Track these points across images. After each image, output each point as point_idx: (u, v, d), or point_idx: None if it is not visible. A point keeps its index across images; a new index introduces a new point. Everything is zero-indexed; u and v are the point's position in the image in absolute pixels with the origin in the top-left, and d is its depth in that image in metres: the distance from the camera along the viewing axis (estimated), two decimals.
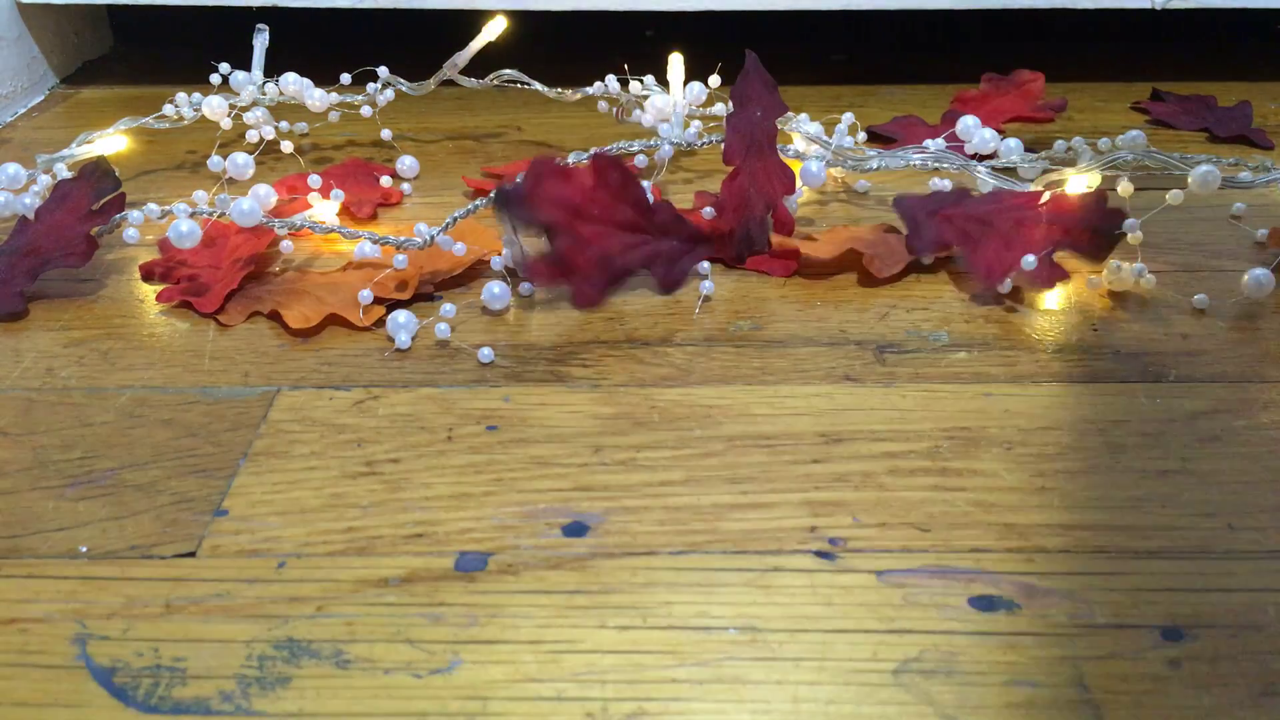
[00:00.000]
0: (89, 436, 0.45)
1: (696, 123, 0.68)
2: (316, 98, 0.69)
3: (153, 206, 0.56)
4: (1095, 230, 0.52)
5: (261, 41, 0.71)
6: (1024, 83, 0.80)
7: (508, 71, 0.70)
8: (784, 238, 0.58)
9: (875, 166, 0.60)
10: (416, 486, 0.42)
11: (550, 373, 0.49)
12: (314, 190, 0.63)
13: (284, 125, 0.72)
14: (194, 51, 0.83)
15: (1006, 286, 0.54)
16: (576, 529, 0.40)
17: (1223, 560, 0.38)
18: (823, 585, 0.37)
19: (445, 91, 0.74)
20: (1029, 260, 0.52)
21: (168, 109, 0.70)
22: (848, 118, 0.70)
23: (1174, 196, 0.57)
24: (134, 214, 0.56)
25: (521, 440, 0.45)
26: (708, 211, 0.61)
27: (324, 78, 0.70)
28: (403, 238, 0.55)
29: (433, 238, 0.54)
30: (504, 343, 0.51)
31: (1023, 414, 0.46)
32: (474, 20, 0.72)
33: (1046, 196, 0.54)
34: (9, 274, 0.55)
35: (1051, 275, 0.53)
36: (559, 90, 0.71)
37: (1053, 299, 0.54)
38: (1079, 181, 0.60)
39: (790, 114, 0.59)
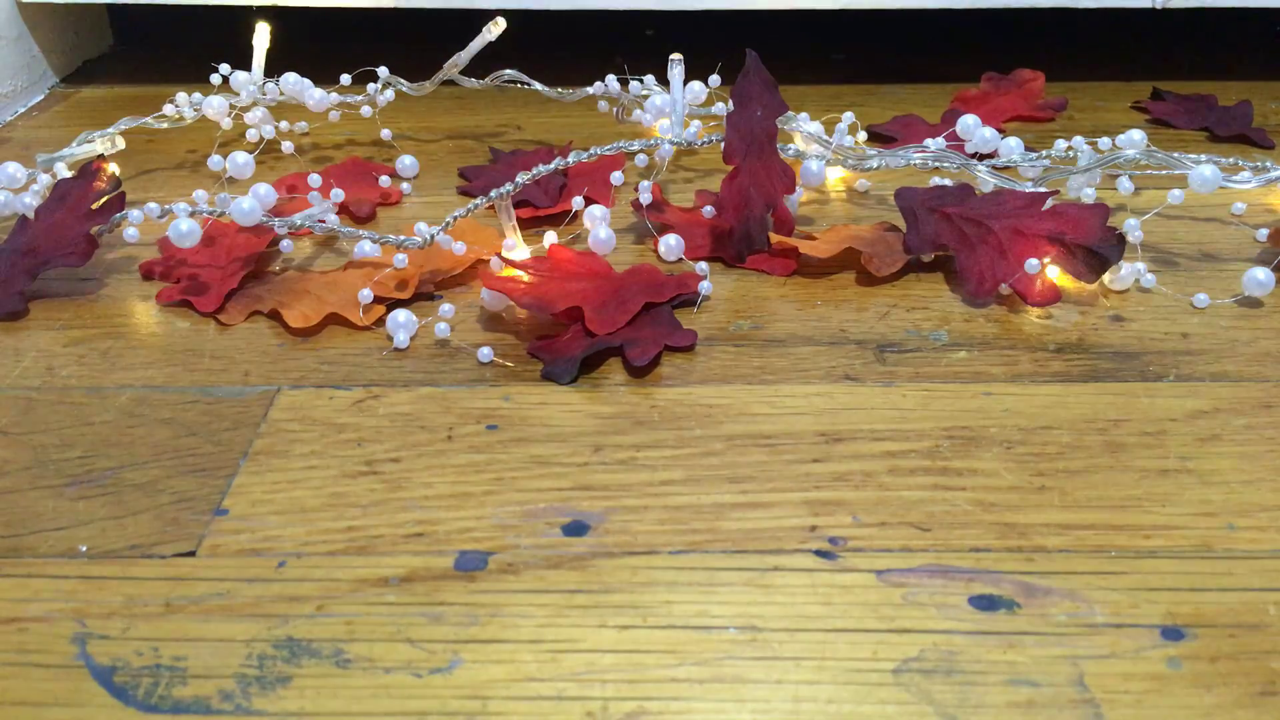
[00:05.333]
0: (89, 436, 0.45)
1: (696, 122, 0.68)
2: (316, 98, 0.69)
3: (153, 206, 0.56)
4: (1092, 250, 0.52)
5: (261, 41, 0.71)
6: (1024, 82, 0.80)
7: (508, 71, 0.70)
8: (784, 237, 0.58)
9: (875, 166, 0.60)
10: (416, 486, 0.42)
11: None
12: (314, 189, 0.63)
13: (284, 125, 0.72)
14: (194, 51, 0.83)
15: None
16: (576, 528, 0.40)
17: (1223, 560, 0.38)
18: (823, 585, 0.37)
19: (445, 91, 0.74)
20: (1027, 266, 0.52)
21: (168, 109, 0.70)
22: (848, 117, 0.70)
23: (1174, 196, 0.57)
24: (134, 213, 0.56)
25: (521, 439, 0.45)
26: (708, 210, 0.61)
27: (324, 78, 0.71)
28: (403, 237, 0.55)
29: (432, 237, 0.54)
30: (504, 342, 0.51)
31: (1023, 413, 0.46)
32: (474, 20, 0.72)
33: (1050, 203, 0.54)
34: (9, 273, 0.55)
35: (1044, 291, 0.53)
36: (559, 90, 0.71)
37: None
38: (1079, 182, 0.60)
39: (790, 113, 0.59)
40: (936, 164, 0.60)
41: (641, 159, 0.66)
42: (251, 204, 0.54)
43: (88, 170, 0.59)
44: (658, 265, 0.57)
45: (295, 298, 0.54)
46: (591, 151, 0.58)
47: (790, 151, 0.61)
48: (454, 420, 0.46)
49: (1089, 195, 0.60)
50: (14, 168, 0.61)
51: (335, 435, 0.45)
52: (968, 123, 0.65)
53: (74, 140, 0.66)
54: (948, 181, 0.60)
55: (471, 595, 0.37)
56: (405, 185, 0.68)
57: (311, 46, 0.84)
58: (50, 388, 0.49)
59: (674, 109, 0.64)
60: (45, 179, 0.62)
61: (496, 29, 0.67)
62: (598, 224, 0.57)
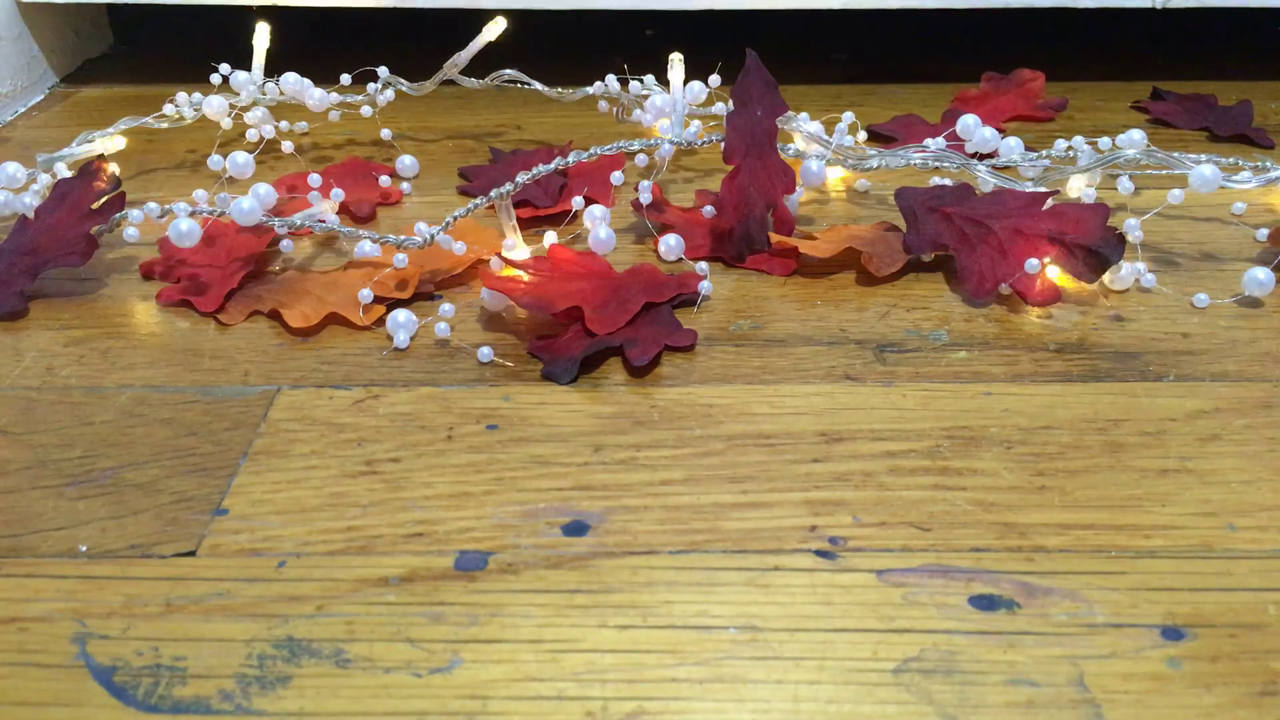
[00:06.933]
0: (89, 435, 0.45)
1: (696, 122, 0.68)
2: (316, 98, 0.69)
3: (153, 205, 0.56)
4: (1092, 250, 0.52)
5: (261, 41, 0.71)
6: (1024, 82, 0.80)
7: (508, 71, 0.70)
8: (784, 237, 0.58)
9: (875, 165, 0.60)
10: (416, 486, 0.42)
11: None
12: (314, 189, 0.63)
13: (284, 125, 0.72)
14: (194, 51, 0.83)
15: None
16: (577, 528, 0.40)
17: (1223, 560, 0.38)
18: (823, 584, 0.37)
19: (445, 91, 0.74)
20: (1027, 266, 0.52)
21: (168, 108, 0.70)
22: (848, 117, 0.70)
23: (1174, 196, 0.57)
24: (134, 213, 0.56)
25: (521, 439, 0.45)
26: (708, 210, 0.61)
27: (324, 78, 0.71)
28: (403, 237, 0.55)
29: (433, 237, 0.54)
30: (504, 342, 0.51)
31: (1023, 413, 0.46)
32: (474, 20, 0.72)
33: (1050, 203, 0.54)
34: (9, 273, 0.55)
35: (1044, 291, 0.53)
36: (559, 90, 0.71)
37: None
38: (1079, 181, 0.61)
39: (790, 113, 0.59)
40: (936, 164, 0.60)
41: (641, 159, 0.66)
42: (251, 204, 0.54)
43: (88, 170, 0.59)
44: (658, 265, 0.57)
45: (295, 298, 0.54)
46: (591, 151, 0.58)
47: (790, 151, 0.61)
48: (454, 420, 0.46)
49: (1089, 195, 0.60)
50: (14, 168, 0.61)
51: (335, 435, 0.45)
52: (968, 123, 0.65)
53: (74, 140, 0.66)
54: (948, 181, 0.60)
55: (471, 595, 0.37)
56: (405, 185, 0.68)
57: (311, 46, 0.84)
58: (50, 388, 0.49)
59: (674, 109, 0.64)
60: (45, 179, 0.62)
61: (496, 28, 0.67)
62: (598, 224, 0.57)
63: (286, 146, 0.71)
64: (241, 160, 0.63)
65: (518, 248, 0.56)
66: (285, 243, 0.58)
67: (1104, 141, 0.63)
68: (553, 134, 0.76)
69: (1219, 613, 0.36)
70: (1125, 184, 0.60)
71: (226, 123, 0.70)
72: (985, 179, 0.59)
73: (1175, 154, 0.58)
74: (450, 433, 0.45)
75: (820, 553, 0.39)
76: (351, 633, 0.36)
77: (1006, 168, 0.63)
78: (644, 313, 0.52)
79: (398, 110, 0.78)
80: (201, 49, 0.79)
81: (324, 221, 0.57)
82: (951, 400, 0.47)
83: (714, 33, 0.92)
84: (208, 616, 0.36)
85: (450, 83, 0.71)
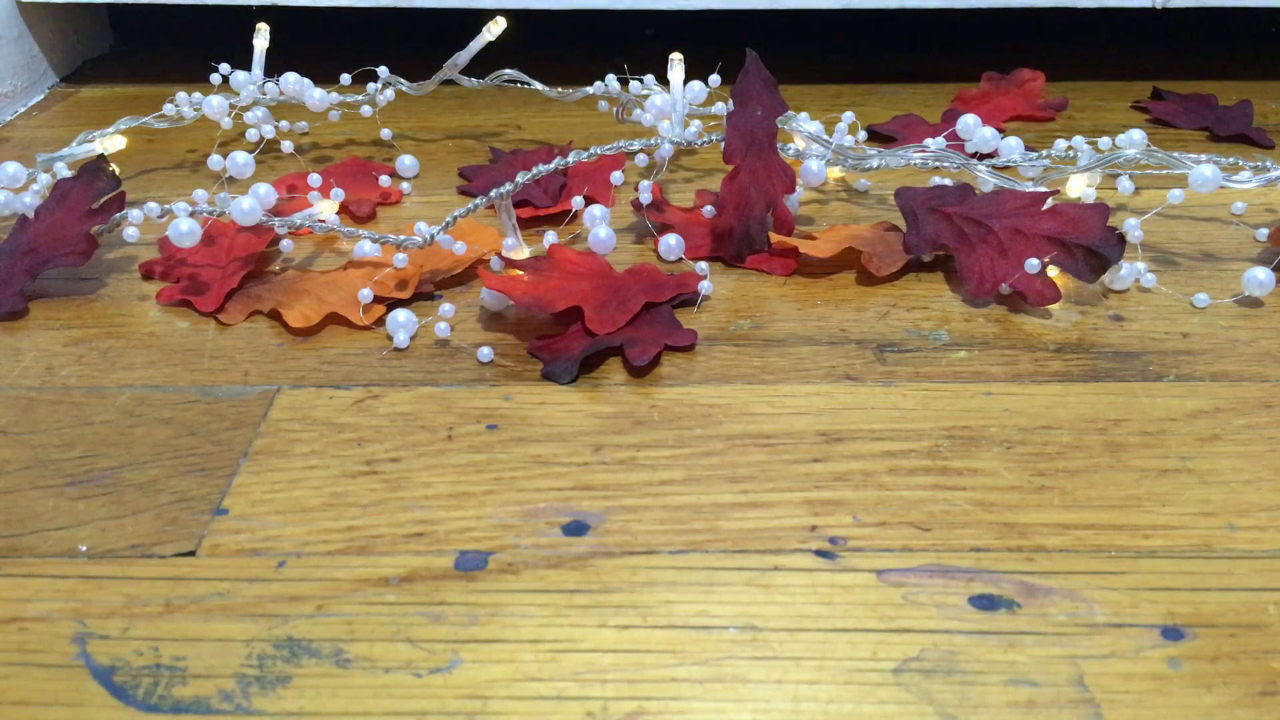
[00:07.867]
0: (89, 435, 0.45)
1: (696, 122, 0.68)
2: (316, 97, 0.69)
3: (153, 205, 0.56)
4: (1092, 250, 0.52)
5: (261, 41, 0.71)
6: (1024, 81, 0.80)
7: (508, 71, 0.70)
8: (784, 237, 0.58)
9: (875, 165, 0.60)
10: (416, 485, 0.42)
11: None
12: (314, 189, 0.63)
13: (284, 125, 0.72)
14: (194, 51, 0.83)
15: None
16: (577, 528, 0.40)
17: (1223, 560, 0.38)
18: (823, 584, 0.37)
19: (445, 91, 0.74)
20: (1027, 266, 0.52)
21: (168, 108, 0.70)
22: (848, 116, 0.70)
23: (1174, 196, 0.57)
24: (134, 213, 0.56)
25: (521, 439, 0.45)
26: (708, 210, 0.61)
27: (324, 78, 0.71)
28: (403, 237, 0.55)
29: (433, 237, 0.54)
30: (504, 342, 0.51)
31: (1023, 413, 0.46)
32: (474, 20, 0.72)
33: (1050, 203, 0.54)
34: (9, 273, 0.55)
35: (1044, 291, 0.53)
36: (559, 90, 0.71)
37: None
38: (1079, 181, 0.61)
39: (790, 113, 0.59)
40: (936, 164, 0.60)
41: (641, 159, 0.66)
42: (251, 204, 0.54)
43: (88, 170, 0.59)
44: (658, 265, 0.57)
45: (295, 298, 0.54)
46: (591, 151, 0.58)
47: (790, 151, 0.61)
48: (454, 420, 0.46)
49: (1089, 195, 0.60)
50: (14, 168, 0.61)
51: (335, 435, 0.45)
52: (968, 123, 0.65)
53: (74, 140, 0.66)
54: (948, 181, 0.60)
55: (471, 595, 0.37)
56: (405, 185, 0.68)
57: (311, 46, 0.84)
58: (50, 388, 0.49)
59: (674, 109, 0.64)
60: (45, 179, 0.62)
61: (496, 29, 0.67)
62: (598, 224, 0.57)
63: (286, 146, 0.71)
64: (241, 160, 0.63)
65: (518, 248, 0.56)
66: (285, 243, 0.58)
67: (1104, 141, 0.63)
68: (553, 134, 0.76)
69: (1219, 613, 0.36)
70: (1125, 184, 0.60)
71: (226, 123, 0.70)
72: (985, 179, 0.59)
73: (1175, 154, 0.58)
74: (450, 433, 0.45)
75: (820, 553, 0.39)
76: (351, 633, 0.36)
77: (1006, 168, 0.63)
78: (644, 313, 0.52)
79: (398, 110, 0.78)
80: (201, 49, 0.79)
81: (324, 221, 0.57)
82: (951, 400, 0.47)
83: (714, 33, 0.92)
84: (208, 616, 0.36)
85: (450, 83, 0.71)
